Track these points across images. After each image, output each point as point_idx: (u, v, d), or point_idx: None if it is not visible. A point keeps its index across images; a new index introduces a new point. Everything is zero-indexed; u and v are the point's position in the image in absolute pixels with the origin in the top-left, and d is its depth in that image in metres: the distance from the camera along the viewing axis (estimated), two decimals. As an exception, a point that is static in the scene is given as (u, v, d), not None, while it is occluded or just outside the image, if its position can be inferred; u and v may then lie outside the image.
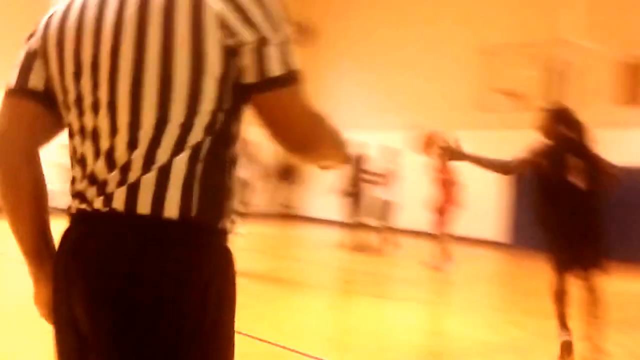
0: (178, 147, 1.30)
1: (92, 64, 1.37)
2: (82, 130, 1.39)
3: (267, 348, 5.04)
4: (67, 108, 1.43)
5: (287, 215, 18.09)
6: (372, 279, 9.34)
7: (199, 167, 1.32)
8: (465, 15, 16.77)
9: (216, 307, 1.33)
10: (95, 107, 1.37)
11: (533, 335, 6.04)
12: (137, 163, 1.31)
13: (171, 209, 1.30)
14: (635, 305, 8.04)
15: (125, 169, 1.31)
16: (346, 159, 1.55)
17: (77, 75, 1.39)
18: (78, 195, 1.40)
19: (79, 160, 1.41)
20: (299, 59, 1.39)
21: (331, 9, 20.90)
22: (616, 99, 12.75)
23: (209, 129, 1.33)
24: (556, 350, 4.89)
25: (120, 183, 1.32)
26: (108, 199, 1.32)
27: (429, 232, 10.93)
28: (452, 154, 4.64)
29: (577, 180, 4.77)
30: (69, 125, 1.44)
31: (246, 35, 1.30)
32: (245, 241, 10.88)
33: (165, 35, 1.29)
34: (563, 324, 4.96)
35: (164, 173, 1.30)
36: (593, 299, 4.83)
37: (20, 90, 1.48)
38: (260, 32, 1.31)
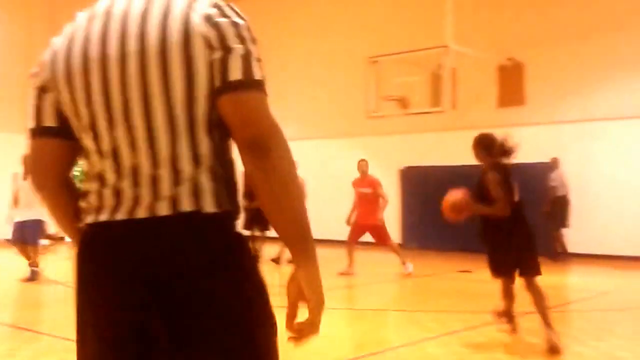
0: (194, 154, 1.53)
1: (103, 92, 1.56)
2: (99, 150, 1.59)
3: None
4: (83, 132, 1.61)
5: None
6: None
7: (211, 160, 1.55)
8: (354, 26, 17.10)
9: (256, 272, 1.61)
10: (111, 130, 1.56)
11: (432, 332, 6.20)
12: (164, 175, 1.52)
13: (203, 203, 1.52)
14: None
15: (155, 181, 1.53)
16: (295, 174, 1.57)
17: (89, 104, 1.57)
18: (98, 208, 1.58)
19: (96, 176, 1.60)
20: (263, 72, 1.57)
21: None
22: (499, 101, 13.34)
23: (211, 135, 1.55)
24: (459, 349, 5.02)
25: (154, 194, 1.52)
26: (148, 204, 1.52)
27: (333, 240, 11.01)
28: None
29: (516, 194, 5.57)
30: (85, 147, 1.62)
31: (218, 50, 1.51)
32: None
33: (164, 62, 1.51)
34: (510, 319, 5.83)
35: (190, 176, 1.52)
36: (534, 295, 5.51)
37: (38, 130, 1.68)
38: (228, 45, 1.51)
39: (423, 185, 14.82)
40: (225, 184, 1.58)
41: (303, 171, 15.17)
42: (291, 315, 1.57)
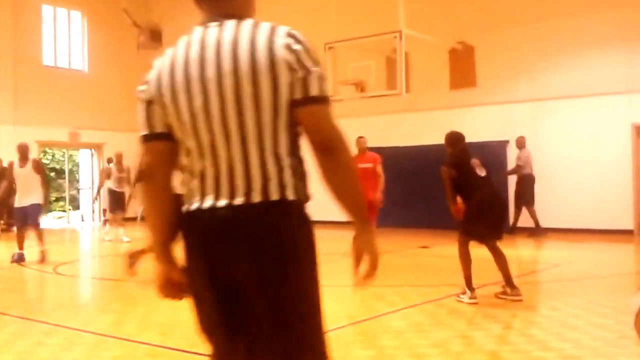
0: (277, 153, 2.00)
1: (203, 105, 2.02)
2: (200, 151, 2.05)
3: (146, 349, 5.10)
4: (186, 136, 2.07)
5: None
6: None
7: (290, 159, 2.03)
8: (311, 14, 17.26)
9: (313, 239, 2.09)
10: (210, 135, 2.02)
11: (395, 306, 6.50)
12: (255, 171, 2.00)
13: (284, 191, 2.00)
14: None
15: (248, 175, 2.00)
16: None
17: (192, 114, 2.04)
18: (200, 197, 2.06)
19: (198, 171, 2.07)
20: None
21: (174, 7, 20.66)
22: (452, 83, 13.67)
23: (288, 136, 2.01)
24: (420, 320, 5.32)
25: (246, 185, 2.00)
26: (244, 193, 2.00)
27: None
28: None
29: (479, 170, 6.74)
30: (187, 147, 2.07)
31: (299, 71, 1.97)
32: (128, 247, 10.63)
33: (254, 81, 1.96)
34: (469, 284, 6.56)
35: (276, 171, 2.00)
36: (497, 257, 6.59)
37: (150, 136, 2.15)
38: (307, 67, 1.98)
39: (380, 166, 15.15)
40: (300, 177, 2.07)
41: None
42: (356, 267, 2.10)
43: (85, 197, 21.69)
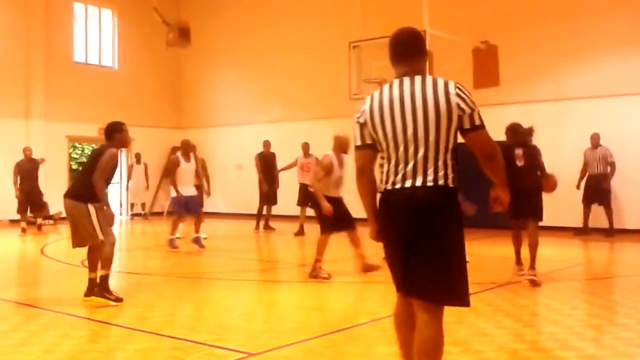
0: (445, 157, 3.26)
1: (402, 128, 3.30)
2: (396, 155, 3.33)
3: (171, 343, 5.20)
4: (385, 146, 3.38)
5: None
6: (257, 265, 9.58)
7: (451, 160, 3.28)
8: (335, 11, 17.31)
9: (460, 211, 3.39)
10: (406, 145, 3.29)
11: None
12: (430, 167, 3.25)
13: (448, 181, 3.27)
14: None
15: (425, 169, 3.26)
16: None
17: (394, 134, 3.32)
18: (394, 182, 3.33)
19: (392, 168, 3.35)
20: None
21: (203, 7, 20.85)
22: (475, 82, 13.61)
23: (451, 149, 3.28)
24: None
25: (424, 175, 3.26)
26: (423, 180, 3.26)
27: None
28: None
29: (519, 161, 7.78)
30: (386, 153, 3.38)
31: (467, 110, 3.26)
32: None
33: (437, 114, 3.23)
34: (519, 259, 8.01)
35: (443, 168, 3.26)
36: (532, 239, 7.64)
37: (362, 146, 3.48)
38: (471, 108, 3.26)
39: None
40: (455, 173, 3.31)
41: (289, 151, 15.44)
42: (493, 202, 3.43)
43: (114, 192, 21.98)
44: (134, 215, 20.31)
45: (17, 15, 18.51)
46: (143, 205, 20.17)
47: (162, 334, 5.38)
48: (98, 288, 6.59)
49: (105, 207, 6.67)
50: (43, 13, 18.89)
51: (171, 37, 16.75)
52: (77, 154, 26.32)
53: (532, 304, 6.49)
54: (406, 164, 3.28)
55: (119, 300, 6.61)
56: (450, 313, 6.04)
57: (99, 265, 6.65)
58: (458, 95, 3.22)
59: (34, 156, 15.27)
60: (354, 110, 14.59)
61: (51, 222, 17.37)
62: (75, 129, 19.56)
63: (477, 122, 3.25)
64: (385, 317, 6.04)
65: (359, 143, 3.46)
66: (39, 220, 15.49)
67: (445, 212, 3.27)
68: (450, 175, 3.26)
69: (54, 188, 18.31)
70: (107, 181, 6.80)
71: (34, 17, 18.74)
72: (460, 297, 3.36)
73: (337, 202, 8.23)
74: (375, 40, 13.39)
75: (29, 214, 15.13)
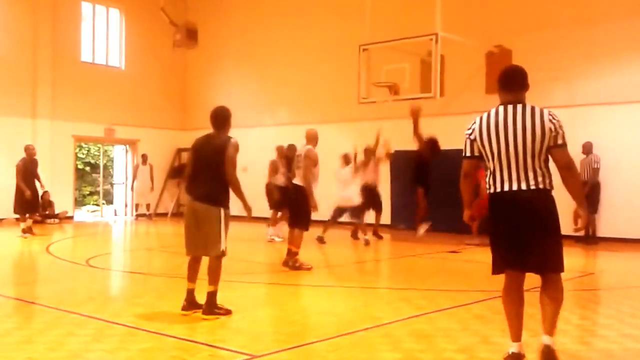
0: (540, 166, 4.29)
1: (506, 145, 4.30)
2: (500, 164, 4.34)
3: (174, 343, 5.17)
4: (491, 157, 4.37)
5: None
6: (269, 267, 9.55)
7: (545, 169, 4.31)
8: (344, 12, 17.27)
9: (555, 206, 4.39)
10: (507, 157, 4.30)
11: (422, 310, 6.49)
12: (531, 174, 4.28)
13: (545, 184, 4.29)
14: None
15: (527, 177, 4.28)
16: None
17: (499, 150, 4.32)
18: (502, 185, 4.33)
19: (498, 175, 4.35)
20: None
21: (211, 8, 20.86)
22: (488, 87, 13.54)
23: (545, 160, 4.31)
24: (447, 325, 5.27)
25: (527, 180, 4.27)
26: (527, 185, 4.27)
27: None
28: None
29: None
30: (492, 163, 4.39)
31: (555, 132, 4.26)
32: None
33: (533, 134, 4.24)
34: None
35: (541, 176, 4.29)
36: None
37: (470, 157, 4.50)
38: (558, 130, 4.26)
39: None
40: (550, 179, 4.29)
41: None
42: (575, 223, 4.40)
43: (119, 192, 21.98)
44: (138, 215, 20.29)
45: (24, 15, 18.55)
46: (148, 206, 20.15)
47: (166, 334, 5.36)
48: (206, 305, 5.97)
49: (245, 204, 6.17)
50: (50, 12, 18.93)
51: (178, 38, 16.77)
52: (82, 153, 26.34)
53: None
54: (509, 172, 4.28)
55: (228, 312, 6.08)
56: (456, 320, 6.05)
57: (207, 280, 6.03)
58: (550, 121, 4.23)
59: (36, 156, 14.91)
60: (362, 113, 14.80)
61: (56, 220, 17.36)
62: (81, 128, 19.58)
63: (560, 142, 4.24)
64: (391, 322, 6.00)
65: (468, 154, 4.48)
66: (30, 222, 14.54)
67: (547, 209, 4.29)
68: (547, 181, 4.27)
69: (59, 187, 18.38)
70: None
71: (42, 16, 18.78)
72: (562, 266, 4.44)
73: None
74: (385, 44, 13.35)
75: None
